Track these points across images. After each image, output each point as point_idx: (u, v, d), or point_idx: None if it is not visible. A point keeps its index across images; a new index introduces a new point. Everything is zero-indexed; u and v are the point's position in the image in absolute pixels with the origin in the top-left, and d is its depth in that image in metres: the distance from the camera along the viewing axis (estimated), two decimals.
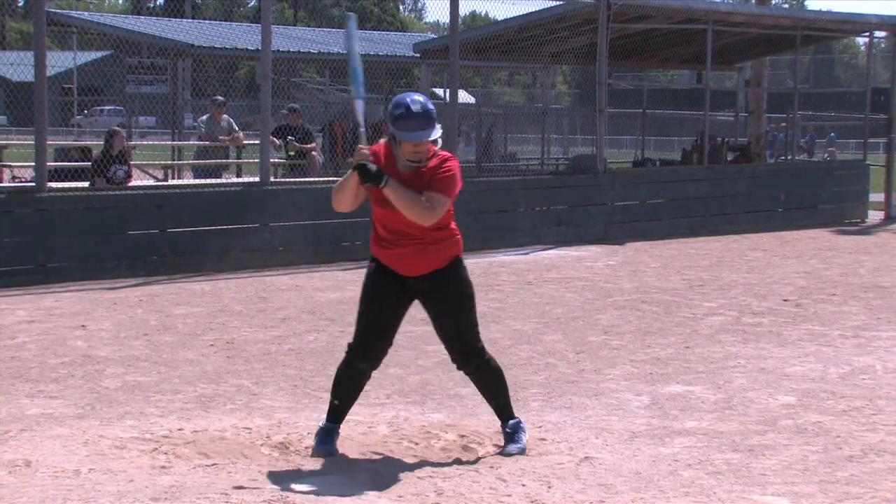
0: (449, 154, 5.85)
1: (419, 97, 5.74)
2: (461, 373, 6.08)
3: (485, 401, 6.17)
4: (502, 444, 6.13)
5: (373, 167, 5.61)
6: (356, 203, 5.82)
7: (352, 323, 9.85)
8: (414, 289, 5.87)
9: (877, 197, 21.89)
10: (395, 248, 5.79)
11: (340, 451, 5.99)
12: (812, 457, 6.02)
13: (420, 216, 5.64)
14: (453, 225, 5.89)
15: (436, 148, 5.78)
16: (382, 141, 5.86)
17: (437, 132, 5.69)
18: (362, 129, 5.84)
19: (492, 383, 6.07)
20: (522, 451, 6.01)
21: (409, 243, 5.76)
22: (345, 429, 6.36)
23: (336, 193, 5.79)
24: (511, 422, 6.09)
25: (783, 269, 14.04)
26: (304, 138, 17.76)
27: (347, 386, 5.96)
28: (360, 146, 5.66)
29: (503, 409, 6.11)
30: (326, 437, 5.96)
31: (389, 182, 5.59)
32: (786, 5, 79.75)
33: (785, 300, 11.54)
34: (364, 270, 5.99)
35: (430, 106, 5.69)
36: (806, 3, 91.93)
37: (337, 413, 5.99)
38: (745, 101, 25.89)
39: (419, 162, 5.70)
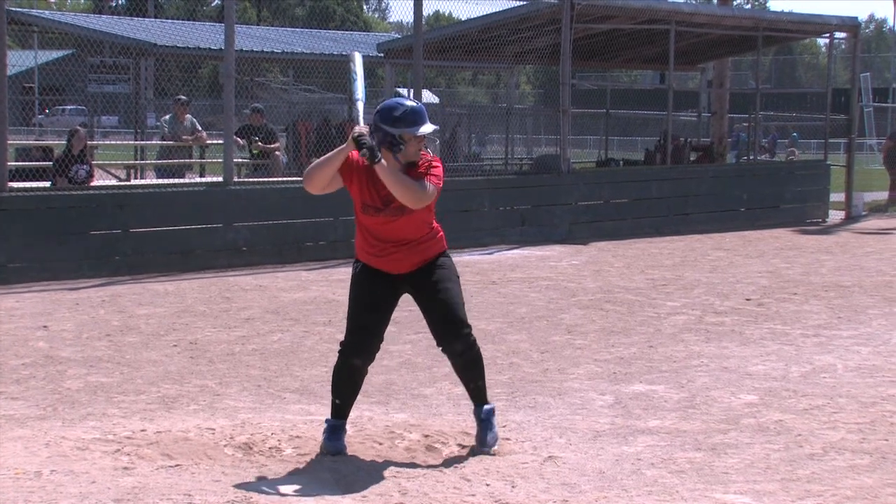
0: (434, 157, 6.02)
1: (404, 99, 5.98)
2: (425, 373, 6.08)
3: (440, 395, 6.17)
4: (465, 443, 6.15)
5: (371, 141, 5.69)
6: (331, 186, 5.86)
7: (317, 323, 9.89)
8: (403, 283, 5.96)
9: (837, 197, 22.06)
10: (385, 255, 5.90)
11: (304, 450, 6.00)
12: (774, 455, 6.06)
13: (410, 195, 5.75)
14: (435, 224, 6.07)
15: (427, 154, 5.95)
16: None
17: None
18: (360, 114, 5.90)
19: (473, 365, 6.11)
20: (496, 440, 6.06)
21: (398, 249, 5.90)
22: (308, 429, 6.37)
23: (314, 170, 5.81)
24: (486, 407, 6.12)
25: (746, 269, 14.13)
26: (267, 138, 17.72)
27: (346, 384, 6.03)
28: (357, 125, 5.75)
29: (480, 391, 6.14)
30: (334, 433, 6.00)
31: (382, 161, 5.70)
32: (748, 6, 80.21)
33: (747, 299, 11.61)
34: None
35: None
36: (768, 4, 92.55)
37: (340, 410, 6.04)
38: (707, 101, 26.02)
39: (416, 160, 5.83)
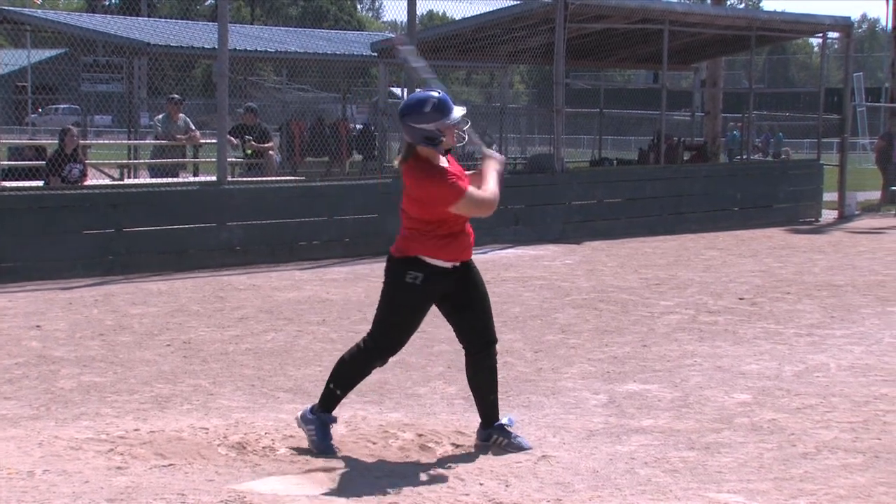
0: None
1: (424, 92, 5.96)
2: (419, 373, 6.06)
3: (434, 394, 6.17)
4: (459, 442, 6.16)
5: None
6: None
7: (310, 322, 9.88)
8: (455, 279, 5.98)
9: (830, 196, 22.09)
10: (465, 236, 6.05)
11: (298, 450, 5.99)
12: (767, 454, 6.07)
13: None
14: None
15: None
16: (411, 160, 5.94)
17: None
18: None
19: (495, 373, 6.12)
20: (526, 442, 6.11)
21: (466, 228, 6.09)
22: (302, 430, 6.35)
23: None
24: (503, 421, 6.12)
25: (739, 268, 14.14)
26: (261, 137, 17.70)
27: (357, 379, 6.08)
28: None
29: (496, 406, 6.13)
30: (326, 430, 6.01)
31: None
32: (741, 6, 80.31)
33: (741, 299, 11.62)
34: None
35: None
36: (761, 4, 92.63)
37: (335, 403, 6.05)
38: (701, 100, 26.06)
39: (455, 144, 6.01)
